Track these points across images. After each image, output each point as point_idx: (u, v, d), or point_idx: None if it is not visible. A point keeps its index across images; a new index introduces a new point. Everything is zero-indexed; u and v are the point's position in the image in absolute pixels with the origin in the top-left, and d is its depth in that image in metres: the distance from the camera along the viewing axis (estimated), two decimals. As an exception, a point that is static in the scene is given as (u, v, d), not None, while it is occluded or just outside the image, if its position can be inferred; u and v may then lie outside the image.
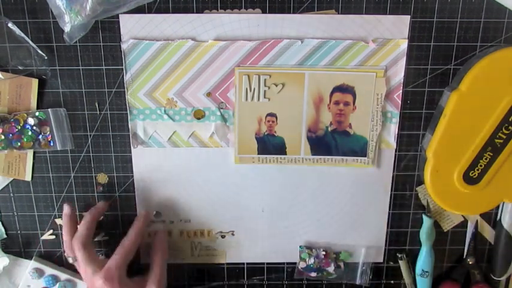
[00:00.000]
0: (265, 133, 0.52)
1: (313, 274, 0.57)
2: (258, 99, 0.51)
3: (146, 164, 0.53)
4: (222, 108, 0.51)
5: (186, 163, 0.53)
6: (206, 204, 0.55)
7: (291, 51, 0.49)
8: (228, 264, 0.58)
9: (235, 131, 0.52)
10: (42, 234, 0.56)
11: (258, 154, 0.53)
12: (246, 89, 0.50)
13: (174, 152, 0.53)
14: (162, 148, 0.53)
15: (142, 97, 0.51)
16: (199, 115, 0.52)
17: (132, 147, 0.52)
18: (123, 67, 0.50)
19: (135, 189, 0.54)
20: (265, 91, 0.50)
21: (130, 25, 0.48)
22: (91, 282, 0.47)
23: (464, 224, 0.56)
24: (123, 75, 0.50)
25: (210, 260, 0.57)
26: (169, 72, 0.50)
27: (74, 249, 0.49)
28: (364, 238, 0.57)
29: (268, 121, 0.51)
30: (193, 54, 0.49)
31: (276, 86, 0.50)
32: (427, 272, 0.56)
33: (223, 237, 0.56)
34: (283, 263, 0.58)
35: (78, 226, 0.51)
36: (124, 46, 0.49)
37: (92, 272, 0.47)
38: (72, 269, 0.55)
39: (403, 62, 0.50)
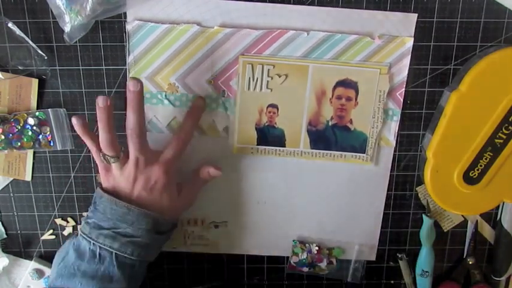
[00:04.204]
0: (266, 124, 0.52)
1: (305, 269, 0.57)
2: (261, 89, 0.50)
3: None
4: (223, 96, 0.51)
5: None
6: (201, 193, 0.54)
7: (297, 42, 0.49)
8: (228, 264, 0.58)
9: (235, 120, 0.51)
10: (42, 234, 0.56)
11: (257, 145, 0.52)
12: (249, 78, 0.50)
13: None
14: (160, 133, 0.52)
15: (143, 80, 0.50)
16: None
17: None
18: (127, 48, 0.49)
19: None
20: (268, 81, 0.50)
21: (137, 6, 0.48)
22: (144, 172, 0.45)
23: (464, 224, 0.56)
24: (123, 75, 0.50)
25: (202, 250, 0.57)
26: (173, 57, 0.50)
27: (131, 139, 0.44)
28: (358, 235, 0.56)
29: (269, 112, 0.51)
30: (198, 40, 0.49)
31: (279, 76, 0.50)
32: (427, 272, 0.56)
33: (216, 227, 0.56)
34: (284, 264, 0.58)
35: (130, 118, 0.44)
36: (129, 27, 0.48)
37: (145, 161, 0.45)
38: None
39: (407, 60, 0.50)
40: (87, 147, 0.52)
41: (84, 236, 0.45)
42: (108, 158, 0.45)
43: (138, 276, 0.47)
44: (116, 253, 0.44)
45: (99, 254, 0.44)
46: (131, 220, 0.44)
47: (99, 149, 0.45)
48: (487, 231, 0.57)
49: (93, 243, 0.44)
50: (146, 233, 0.45)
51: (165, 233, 0.48)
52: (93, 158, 0.53)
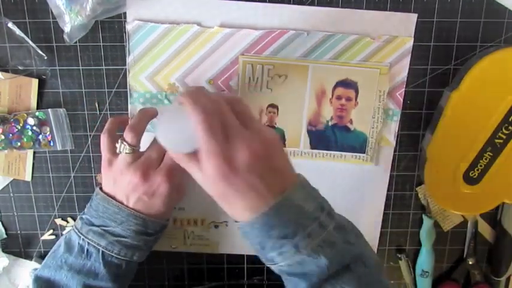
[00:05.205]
0: (266, 124, 0.52)
1: None
2: (261, 89, 0.50)
3: (143, 149, 0.52)
4: None
5: None
6: (201, 193, 0.53)
7: (297, 42, 0.49)
8: (228, 264, 0.58)
9: None
10: (42, 234, 0.56)
11: None
12: (249, 78, 0.50)
13: None
14: None
15: (143, 80, 0.50)
16: None
17: None
18: (127, 48, 0.49)
19: None
20: (268, 81, 0.50)
21: (137, 6, 0.48)
22: (150, 176, 0.44)
23: (464, 224, 0.56)
24: (123, 75, 0.50)
25: (202, 250, 0.57)
26: (173, 57, 0.50)
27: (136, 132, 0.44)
28: None
29: (270, 112, 0.51)
30: (198, 40, 0.49)
31: (279, 77, 0.50)
32: (427, 272, 0.56)
33: (216, 227, 0.56)
34: (283, 263, 0.58)
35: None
36: (129, 27, 0.48)
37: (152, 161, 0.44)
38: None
39: (407, 60, 0.50)
40: (87, 147, 0.52)
41: (76, 231, 0.45)
42: (125, 145, 0.44)
43: (126, 276, 0.47)
44: (102, 251, 0.44)
45: (87, 250, 0.44)
46: (120, 220, 0.44)
47: (115, 135, 0.45)
48: (487, 231, 0.57)
49: (83, 239, 0.44)
50: (134, 234, 0.44)
51: (154, 235, 0.47)
52: (93, 158, 0.53)
